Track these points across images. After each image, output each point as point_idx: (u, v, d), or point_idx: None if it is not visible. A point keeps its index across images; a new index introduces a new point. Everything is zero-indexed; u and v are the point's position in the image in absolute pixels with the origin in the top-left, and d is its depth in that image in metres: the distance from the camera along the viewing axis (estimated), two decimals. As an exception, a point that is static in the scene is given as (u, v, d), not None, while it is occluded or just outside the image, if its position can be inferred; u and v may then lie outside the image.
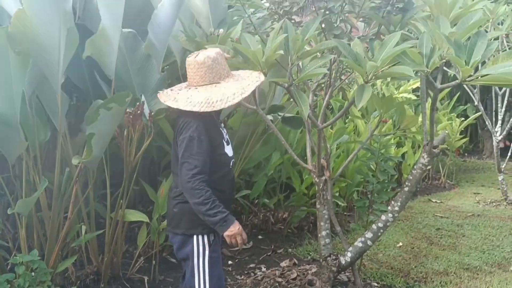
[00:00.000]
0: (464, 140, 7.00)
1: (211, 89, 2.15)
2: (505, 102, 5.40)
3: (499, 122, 5.45)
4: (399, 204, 2.83)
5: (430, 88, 2.52)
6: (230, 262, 3.60)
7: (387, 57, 2.18)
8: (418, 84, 6.60)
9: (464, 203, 5.62)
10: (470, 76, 2.14)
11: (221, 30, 2.93)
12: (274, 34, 2.41)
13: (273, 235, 4.20)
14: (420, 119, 3.08)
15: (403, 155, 5.97)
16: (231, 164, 2.37)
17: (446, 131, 6.43)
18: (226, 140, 2.37)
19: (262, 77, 2.28)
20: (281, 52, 2.27)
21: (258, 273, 3.28)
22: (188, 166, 2.09)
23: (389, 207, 2.86)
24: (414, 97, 6.38)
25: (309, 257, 3.65)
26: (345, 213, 4.73)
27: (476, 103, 5.40)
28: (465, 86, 5.56)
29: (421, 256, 3.73)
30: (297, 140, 4.28)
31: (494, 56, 2.20)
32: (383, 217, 2.87)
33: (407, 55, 2.23)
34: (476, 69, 2.18)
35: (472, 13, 2.34)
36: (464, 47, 2.15)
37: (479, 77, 2.11)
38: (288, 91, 2.49)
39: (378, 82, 6.76)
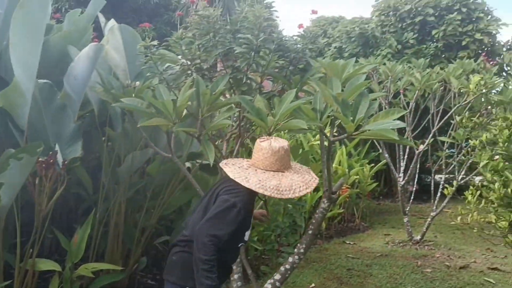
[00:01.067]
0: (375, 184, 7.51)
1: (279, 177, 2.21)
2: (407, 150, 5.95)
3: (402, 168, 5.97)
4: (304, 246, 3.05)
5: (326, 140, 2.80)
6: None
7: (285, 112, 2.44)
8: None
9: (375, 244, 6.00)
10: (356, 130, 2.44)
11: (138, 83, 3.09)
12: (185, 88, 2.61)
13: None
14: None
15: (320, 199, 6.31)
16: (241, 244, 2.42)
17: (357, 176, 6.91)
18: (251, 225, 2.41)
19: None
20: (189, 103, 2.46)
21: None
22: (215, 226, 2.11)
23: (295, 249, 3.07)
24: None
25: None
26: (263, 256, 4.90)
27: (380, 151, 5.90)
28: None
29: (331, 296, 3.94)
30: (216, 186, 4.44)
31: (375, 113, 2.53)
32: (290, 259, 3.06)
33: (302, 111, 2.51)
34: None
35: (359, 76, 2.70)
36: (350, 106, 2.46)
37: (364, 132, 2.42)
38: (198, 140, 2.67)
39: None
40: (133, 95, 2.92)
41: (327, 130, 2.84)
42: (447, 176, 6.10)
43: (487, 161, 2.09)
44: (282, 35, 2.98)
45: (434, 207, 5.89)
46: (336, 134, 2.99)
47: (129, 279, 3.98)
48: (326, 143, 2.86)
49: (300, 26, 3.14)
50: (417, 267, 4.89)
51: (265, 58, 2.83)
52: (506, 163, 2.01)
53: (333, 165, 6.88)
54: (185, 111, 2.69)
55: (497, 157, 2.10)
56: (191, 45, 2.91)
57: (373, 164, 7.66)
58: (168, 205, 3.96)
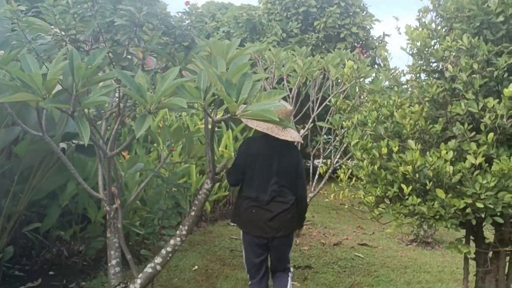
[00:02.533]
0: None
1: (293, 131, 3.10)
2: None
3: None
4: (186, 228, 3.01)
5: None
6: (11, 303, 3.28)
7: (167, 89, 2.35)
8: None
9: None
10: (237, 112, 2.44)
11: (2, 52, 2.77)
12: (57, 60, 2.39)
13: (67, 270, 3.98)
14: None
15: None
16: None
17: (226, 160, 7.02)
18: None
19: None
20: (60, 77, 2.25)
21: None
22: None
23: (177, 232, 3.01)
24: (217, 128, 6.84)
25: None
26: (144, 241, 4.76)
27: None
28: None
29: (213, 277, 3.97)
30: (95, 168, 4.18)
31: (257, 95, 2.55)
32: (172, 241, 3.00)
33: (185, 89, 2.44)
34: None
35: (243, 57, 2.70)
36: (234, 86, 2.45)
37: (246, 112, 2.43)
38: (72, 117, 2.46)
39: (184, 114, 7.08)
40: (-5, 65, 2.59)
41: (210, 110, 2.81)
42: (324, 160, 6.47)
43: (357, 140, 2.24)
44: (167, 11, 2.87)
45: (312, 189, 6.21)
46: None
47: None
48: (210, 125, 2.83)
49: (187, 3, 3.05)
50: (295, 246, 5.13)
51: (148, 33, 2.70)
52: (374, 143, 2.17)
53: (220, 148, 6.91)
54: (58, 87, 2.46)
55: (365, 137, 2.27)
56: (65, 14, 2.67)
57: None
58: (39, 189, 3.63)
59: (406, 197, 1.97)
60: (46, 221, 3.96)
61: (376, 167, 2.10)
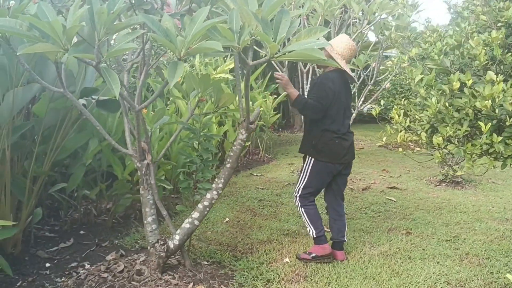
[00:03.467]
0: (278, 116, 7.53)
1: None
2: (309, 79, 5.94)
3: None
4: (222, 180, 2.87)
5: (243, 65, 2.56)
6: (48, 264, 3.22)
7: (198, 33, 2.14)
8: (232, 64, 6.86)
9: (281, 174, 6.07)
10: (278, 52, 2.23)
11: (12, 2, 2.54)
12: (75, 6, 2.16)
13: (97, 228, 3.92)
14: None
15: (225, 133, 6.17)
16: None
17: (261, 108, 6.83)
18: None
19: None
20: (83, 24, 2.04)
21: (81, 271, 3.00)
22: None
23: (213, 185, 2.88)
24: (231, 77, 6.61)
25: (137, 246, 3.49)
26: (172, 195, 4.68)
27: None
28: (274, 64, 5.95)
29: (247, 228, 3.89)
30: (116, 124, 4.03)
31: (296, 33, 2.33)
32: (208, 195, 2.88)
33: (218, 31, 2.22)
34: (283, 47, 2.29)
35: (275, -8, 2.44)
36: (270, 24, 2.23)
37: (286, 53, 2.22)
38: (97, 69, 2.27)
39: (197, 63, 6.82)
40: (7, 16, 2.38)
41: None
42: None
43: (421, 76, 2.02)
44: None
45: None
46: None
47: (24, 233, 3.54)
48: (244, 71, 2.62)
49: None
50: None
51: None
52: (439, 79, 1.96)
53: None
54: (75, 38, 2.26)
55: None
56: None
57: (275, 96, 7.63)
58: (62, 148, 3.50)
59: (484, 135, 1.78)
60: (71, 181, 3.85)
61: (445, 104, 1.90)
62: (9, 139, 3.20)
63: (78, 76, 3.59)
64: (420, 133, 2.18)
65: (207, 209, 2.88)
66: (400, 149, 2.64)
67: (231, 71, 7.56)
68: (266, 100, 7.11)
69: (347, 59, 3.19)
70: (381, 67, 7.96)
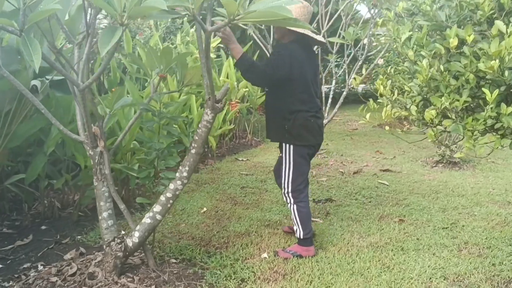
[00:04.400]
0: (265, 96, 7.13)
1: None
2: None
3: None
4: (187, 168, 2.51)
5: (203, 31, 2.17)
6: (0, 265, 2.88)
7: (140, -9, 1.75)
8: (216, 42, 6.44)
9: (268, 158, 5.72)
10: (238, 14, 1.85)
11: None
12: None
13: (61, 223, 3.56)
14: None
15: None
16: None
17: (245, 89, 6.44)
18: None
19: None
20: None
21: (31, 274, 2.65)
22: None
23: (177, 174, 2.52)
24: (214, 56, 6.21)
25: (101, 243, 3.14)
26: (144, 187, 4.32)
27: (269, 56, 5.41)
28: (258, 41, 5.54)
29: (225, 219, 3.54)
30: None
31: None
32: (172, 186, 2.52)
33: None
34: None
35: None
36: (229, -21, 1.84)
37: (249, 14, 1.83)
38: (20, 37, 1.88)
39: (178, 41, 6.41)
40: None
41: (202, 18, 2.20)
42: (334, 87, 5.86)
43: (409, 33, 1.63)
44: None
45: (326, 114, 5.67)
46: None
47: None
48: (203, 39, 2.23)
49: None
50: (312, 177, 4.68)
51: None
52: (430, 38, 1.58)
53: (221, 78, 6.31)
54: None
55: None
56: None
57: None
58: (12, 136, 3.12)
59: (489, 106, 1.41)
60: (30, 171, 3.49)
61: (439, 68, 1.52)
62: None
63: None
64: (410, 106, 1.80)
65: (171, 201, 2.53)
66: (387, 128, 2.27)
67: (217, 50, 7.16)
68: (252, 80, 6.72)
69: (304, 20, 2.74)
70: (374, 43, 7.55)
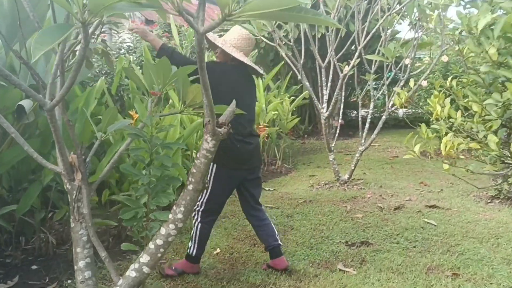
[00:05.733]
0: (296, 120, 6.62)
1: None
2: (330, 76, 5.00)
3: (325, 97, 5.04)
4: (182, 209, 2.00)
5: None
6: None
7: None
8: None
9: (298, 188, 5.15)
10: (234, 10, 1.35)
11: None
12: None
13: (54, 262, 3.12)
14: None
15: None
16: None
17: (275, 112, 5.95)
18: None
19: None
20: None
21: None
22: None
23: (170, 215, 2.02)
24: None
25: (91, 290, 2.66)
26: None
27: (300, 77, 4.92)
28: (286, 58, 5.06)
29: (239, 264, 3.00)
30: (81, 130, 3.25)
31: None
32: (163, 231, 2.01)
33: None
34: None
35: None
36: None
37: (248, 5, 1.33)
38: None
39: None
40: None
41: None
42: (373, 111, 5.27)
43: (492, 17, 1.08)
44: None
45: (363, 141, 5.08)
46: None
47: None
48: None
49: None
50: (346, 213, 4.08)
51: None
52: None
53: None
54: None
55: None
56: None
57: (293, 98, 6.74)
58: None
59: None
60: (23, 202, 3.09)
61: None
62: None
63: (23, 71, 2.84)
64: (484, 135, 1.23)
65: (162, 250, 2.01)
66: (446, 167, 1.68)
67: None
68: (282, 102, 6.22)
69: (245, 51, 2.80)
70: (417, 64, 6.93)
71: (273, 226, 2.94)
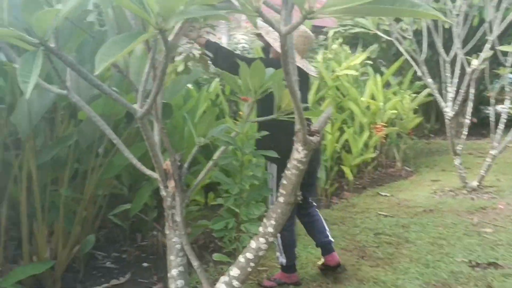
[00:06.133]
0: (418, 120, 6.10)
1: None
2: (456, 72, 4.48)
3: (450, 95, 4.53)
4: (273, 223, 1.87)
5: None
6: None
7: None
8: (363, 57, 5.70)
9: (418, 195, 4.72)
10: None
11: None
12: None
13: (163, 262, 3.21)
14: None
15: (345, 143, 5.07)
16: None
17: (394, 111, 5.54)
18: None
19: None
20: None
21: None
22: None
23: (261, 228, 1.90)
24: (355, 73, 5.50)
25: (195, 292, 2.69)
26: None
27: (420, 73, 4.48)
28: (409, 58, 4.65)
29: (343, 279, 2.78)
30: (188, 133, 3.31)
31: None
32: (253, 244, 1.90)
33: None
34: None
35: None
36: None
37: (328, 4, 1.15)
38: None
39: (319, 58, 5.82)
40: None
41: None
42: (509, 108, 4.61)
43: None
44: None
45: (496, 143, 4.47)
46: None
47: (76, 264, 3.03)
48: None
49: None
50: (472, 226, 3.60)
51: None
52: None
53: (363, 98, 5.52)
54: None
55: None
56: None
57: (415, 95, 6.21)
58: (108, 166, 2.87)
59: None
60: (136, 201, 3.24)
61: None
62: (44, 156, 2.67)
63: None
64: None
65: (252, 264, 1.91)
66: None
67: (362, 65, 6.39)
68: (402, 100, 5.77)
69: (300, 50, 2.56)
70: None
71: (324, 222, 2.87)
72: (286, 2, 1.37)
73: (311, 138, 1.74)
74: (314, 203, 2.90)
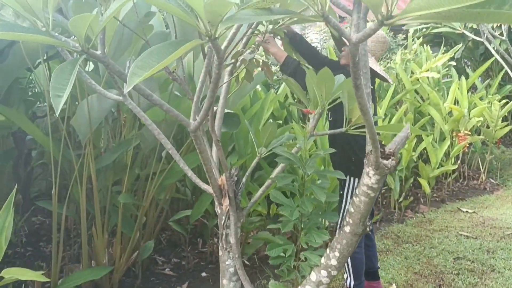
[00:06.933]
0: (508, 128, 5.49)
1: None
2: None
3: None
4: (337, 254, 1.65)
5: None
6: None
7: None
8: (446, 58, 5.24)
9: (505, 213, 4.22)
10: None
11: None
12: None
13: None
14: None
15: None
16: None
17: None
18: None
19: None
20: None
21: None
22: None
23: (322, 259, 1.68)
24: (437, 76, 5.07)
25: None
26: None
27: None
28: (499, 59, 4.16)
29: (417, 311, 2.48)
30: (250, 144, 3.14)
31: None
32: (313, 276, 1.69)
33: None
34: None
35: None
36: None
37: (415, 8, 0.90)
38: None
39: (397, 60, 5.43)
40: None
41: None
42: None
43: None
44: None
45: None
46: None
47: (135, 269, 2.98)
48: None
49: None
50: None
51: None
52: None
53: (445, 104, 5.06)
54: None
55: None
56: None
57: (506, 101, 5.61)
58: (169, 172, 2.77)
59: None
60: (196, 208, 3.13)
61: None
62: (105, 159, 2.64)
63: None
64: None
65: (311, 299, 1.70)
66: None
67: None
68: (490, 106, 5.22)
69: (378, 56, 2.41)
70: None
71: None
72: (359, 4, 1.14)
73: (384, 162, 1.49)
74: (371, 226, 2.73)
